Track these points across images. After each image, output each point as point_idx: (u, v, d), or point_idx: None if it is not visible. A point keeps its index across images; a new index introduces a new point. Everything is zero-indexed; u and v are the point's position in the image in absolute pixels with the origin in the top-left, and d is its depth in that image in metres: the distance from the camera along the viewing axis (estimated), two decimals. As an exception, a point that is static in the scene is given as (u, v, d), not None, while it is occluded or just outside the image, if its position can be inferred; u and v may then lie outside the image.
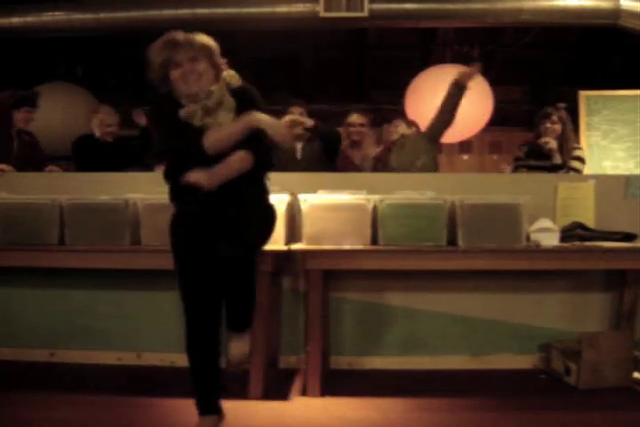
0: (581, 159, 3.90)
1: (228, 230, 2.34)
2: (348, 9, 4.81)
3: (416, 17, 4.99)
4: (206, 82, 2.30)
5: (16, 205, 3.10)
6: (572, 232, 3.19)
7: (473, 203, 3.03)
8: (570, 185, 3.41)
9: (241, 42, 6.32)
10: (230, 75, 2.44)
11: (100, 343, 3.38)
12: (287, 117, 3.68)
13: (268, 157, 2.46)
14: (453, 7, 4.91)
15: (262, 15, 4.97)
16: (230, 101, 2.34)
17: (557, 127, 3.86)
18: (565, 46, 6.96)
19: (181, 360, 3.34)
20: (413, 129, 4.20)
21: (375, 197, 3.03)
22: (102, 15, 5.00)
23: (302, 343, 3.11)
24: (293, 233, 3.23)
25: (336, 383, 3.04)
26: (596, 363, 3.00)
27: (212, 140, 2.28)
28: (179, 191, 2.40)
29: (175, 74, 2.28)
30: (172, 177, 2.39)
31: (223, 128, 2.31)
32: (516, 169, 3.97)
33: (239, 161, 2.32)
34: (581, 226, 3.23)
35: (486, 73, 5.41)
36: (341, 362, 3.34)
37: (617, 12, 4.80)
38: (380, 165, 4.14)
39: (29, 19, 5.06)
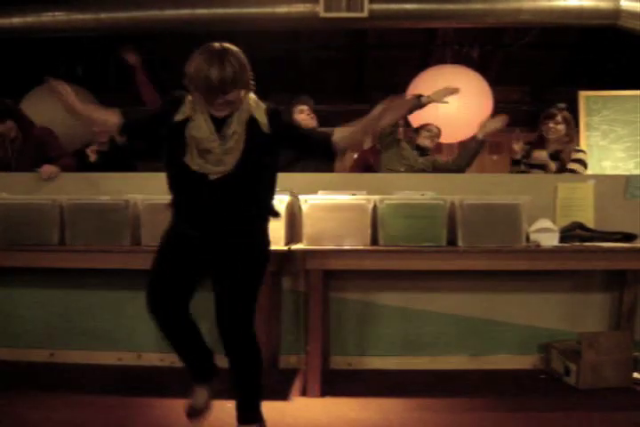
0: (582, 162, 3.81)
1: (217, 263, 2.30)
2: (348, 9, 4.80)
3: (416, 17, 4.98)
4: (235, 105, 2.24)
5: (16, 205, 3.10)
6: (572, 232, 3.19)
7: (473, 203, 3.03)
8: (570, 185, 3.41)
9: (241, 42, 6.32)
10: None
11: (100, 343, 3.38)
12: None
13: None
14: (453, 7, 4.90)
15: (262, 15, 4.96)
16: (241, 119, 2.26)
17: (561, 127, 3.82)
18: (565, 46, 6.95)
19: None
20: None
21: (375, 197, 3.03)
22: (102, 15, 4.98)
23: (302, 343, 3.12)
24: (294, 233, 3.24)
25: (336, 383, 3.04)
26: (595, 363, 3.00)
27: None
28: (178, 206, 2.37)
29: (203, 96, 2.19)
30: (172, 191, 2.38)
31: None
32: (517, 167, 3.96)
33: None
34: (581, 226, 3.23)
35: (486, 73, 5.40)
36: (341, 362, 3.34)
37: (617, 12, 4.79)
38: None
39: (29, 19, 5.04)
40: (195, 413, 2.40)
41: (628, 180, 3.45)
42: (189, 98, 2.27)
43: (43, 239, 3.06)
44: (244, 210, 2.30)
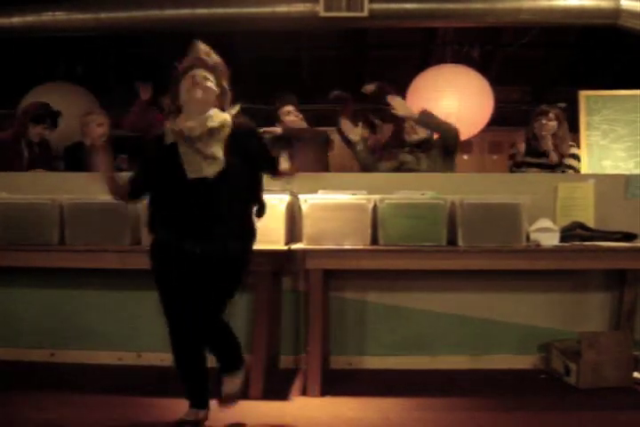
0: (577, 157, 3.92)
1: (199, 267, 2.38)
2: (348, 9, 4.80)
3: (416, 17, 4.98)
4: (211, 94, 2.36)
5: (16, 205, 3.10)
6: (572, 232, 3.19)
7: (473, 203, 3.03)
8: (570, 185, 3.41)
9: (241, 42, 6.32)
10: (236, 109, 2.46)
11: (100, 343, 3.38)
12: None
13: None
14: (453, 7, 4.90)
15: (262, 15, 4.96)
16: (223, 134, 2.35)
17: (553, 124, 3.85)
18: (565, 46, 6.95)
19: (181, 360, 3.34)
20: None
21: (375, 197, 3.03)
22: (102, 15, 4.98)
23: (302, 343, 3.12)
24: (294, 233, 3.24)
25: (336, 383, 3.04)
26: (595, 363, 3.00)
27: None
28: (161, 219, 2.43)
29: (186, 83, 2.35)
30: (156, 206, 2.43)
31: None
32: (513, 167, 3.97)
33: None
34: (581, 226, 3.23)
35: (486, 73, 5.40)
36: (341, 362, 3.34)
37: (617, 12, 4.79)
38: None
39: (29, 19, 5.04)
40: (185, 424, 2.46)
41: (629, 179, 3.45)
42: (167, 126, 2.39)
43: (43, 239, 3.06)
44: (237, 210, 2.41)
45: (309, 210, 3.02)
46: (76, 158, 4.07)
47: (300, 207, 3.09)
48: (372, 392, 2.95)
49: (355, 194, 3.09)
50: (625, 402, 2.84)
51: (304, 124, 4.23)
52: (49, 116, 4.02)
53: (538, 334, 3.34)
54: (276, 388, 2.96)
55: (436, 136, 3.81)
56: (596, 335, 3.09)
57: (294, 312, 3.35)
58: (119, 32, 5.21)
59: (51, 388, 2.96)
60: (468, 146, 7.56)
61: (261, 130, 3.67)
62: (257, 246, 2.54)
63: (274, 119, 4.17)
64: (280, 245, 2.95)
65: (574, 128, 5.42)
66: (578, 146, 5.18)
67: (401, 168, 3.75)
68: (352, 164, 4.57)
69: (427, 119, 3.67)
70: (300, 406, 2.79)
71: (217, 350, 2.52)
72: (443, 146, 3.72)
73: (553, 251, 3.02)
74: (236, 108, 2.45)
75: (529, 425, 2.60)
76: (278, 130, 4.03)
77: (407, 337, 3.36)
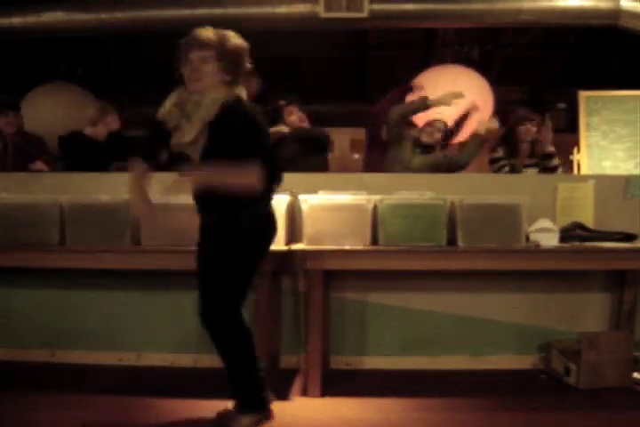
0: (555, 154, 4.06)
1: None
2: (348, 9, 4.81)
3: (416, 17, 4.99)
4: (207, 83, 2.30)
5: (16, 205, 3.10)
6: (572, 232, 3.19)
7: (473, 203, 3.03)
8: (570, 185, 3.41)
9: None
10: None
11: (100, 343, 3.38)
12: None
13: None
14: (453, 7, 4.90)
15: (262, 15, 4.96)
16: (208, 112, 2.31)
17: (534, 129, 3.98)
18: (565, 46, 6.96)
19: (181, 360, 3.36)
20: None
21: (375, 197, 3.03)
22: (103, 15, 4.99)
23: (302, 343, 3.11)
24: (294, 233, 3.24)
25: (336, 383, 3.04)
26: (595, 363, 3.00)
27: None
28: None
29: (184, 71, 2.32)
30: None
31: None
32: (498, 170, 4.00)
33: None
34: (581, 226, 3.23)
35: (486, 73, 5.40)
36: (341, 362, 3.34)
37: (617, 12, 4.79)
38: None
39: (29, 19, 5.05)
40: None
41: (628, 180, 3.45)
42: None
43: (43, 239, 3.06)
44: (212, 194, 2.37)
45: (309, 210, 3.02)
46: (73, 147, 4.08)
47: (299, 207, 3.09)
48: (372, 392, 2.95)
49: (355, 194, 3.09)
50: (625, 402, 2.84)
51: (306, 125, 4.24)
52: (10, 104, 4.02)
53: (538, 334, 3.34)
54: (276, 388, 2.96)
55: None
56: (596, 335, 3.09)
57: (294, 312, 3.35)
58: (119, 32, 5.21)
59: (51, 388, 2.96)
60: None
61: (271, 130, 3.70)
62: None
63: (276, 119, 4.17)
64: (280, 246, 2.95)
65: (574, 128, 5.44)
66: (578, 146, 5.21)
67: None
68: (352, 164, 4.57)
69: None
70: (300, 406, 2.79)
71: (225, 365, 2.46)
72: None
73: (553, 251, 3.02)
74: (240, 89, 2.39)
75: (529, 425, 2.60)
76: (285, 129, 4.03)
77: (407, 337, 3.36)
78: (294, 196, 3.13)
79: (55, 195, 3.13)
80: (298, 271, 3.28)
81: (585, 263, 3.08)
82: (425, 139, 4.02)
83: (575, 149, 5.33)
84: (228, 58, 2.31)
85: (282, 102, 4.16)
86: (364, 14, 4.82)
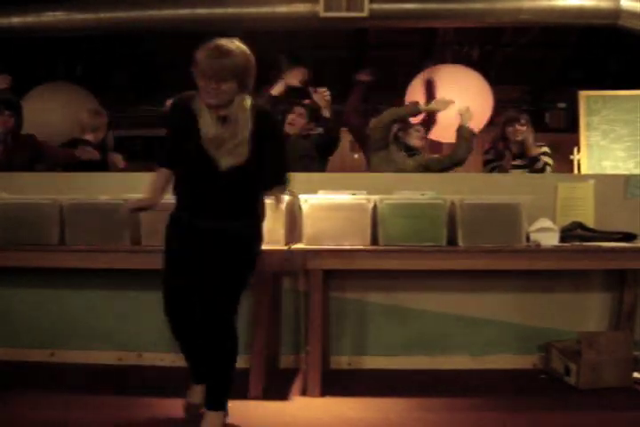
0: (548, 154, 4.06)
1: (208, 250, 2.43)
2: (348, 9, 4.80)
3: (416, 17, 4.98)
4: (226, 97, 2.34)
5: (16, 205, 3.10)
6: (572, 232, 3.19)
7: (473, 203, 3.03)
8: (570, 185, 3.41)
9: (241, 42, 6.31)
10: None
11: (100, 343, 3.38)
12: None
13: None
14: (453, 7, 4.90)
15: (262, 15, 4.96)
16: (246, 119, 2.38)
17: (524, 129, 4.00)
18: (565, 46, 6.95)
19: (181, 360, 3.35)
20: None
21: (375, 197, 3.03)
22: (102, 15, 4.99)
23: (302, 343, 3.12)
24: (294, 233, 3.23)
25: (336, 383, 3.04)
26: (595, 363, 3.00)
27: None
28: (181, 199, 2.50)
29: (200, 83, 2.32)
30: (181, 185, 2.50)
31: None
32: (490, 172, 4.02)
33: None
34: (581, 226, 3.23)
35: (486, 73, 5.40)
36: (341, 362, 3.34)
37: (617, 12, 4.79)
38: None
39: (29, 19, 5.05)
40: (191, 408, 2.57)
41: (628, 179, 3.45)
42: (194, 97, 2.39)
43: (43, 239, 3.05)
44: (245, 201, 2.47)
45: (309, 210, 3.02)
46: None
47: (300, 207, 3.08)
48: (372, 392, 2.95)
49: (355, 194, 3.09)
50: (625, 402, 2.84)
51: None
52: (2, 103, 3.99)
53: (538, 334, 3.34)
54: (276, 388, 2.97)
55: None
56: (596, 335, 3.09)
57: (294, 312, 3.35)
58: (119, 32, 5.21)
59: (51, 388, 2.96)
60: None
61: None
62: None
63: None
64: (280, 245, 2.95)
65: (574, 128, 5.43)
66: (578, 146, 5.20)
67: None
68: (352, 164, 4.58)
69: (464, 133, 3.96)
70: (300, 406, 2.79)
71: (209, 364, 2.45)
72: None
73: (553, 251, 3.02)
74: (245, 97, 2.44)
75: (529, 425, 2.60)
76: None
77: (407, 337, 3.36)
78: (294, 196, 3.13)
79: (55, 195, 3.13)
80: (298, 271, 3.28)
81: (585, 263, 3.08)
82: (412, 142, 4.02)
83: (575, 149, 5.33)
84: (244, 75, 2.36)
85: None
86: (364, 14, 4.81)
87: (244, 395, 2.82)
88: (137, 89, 7.18)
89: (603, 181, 3.45)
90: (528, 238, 3.04)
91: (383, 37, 6.89)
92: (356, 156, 6.72)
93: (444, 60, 6.14)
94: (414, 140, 4.03)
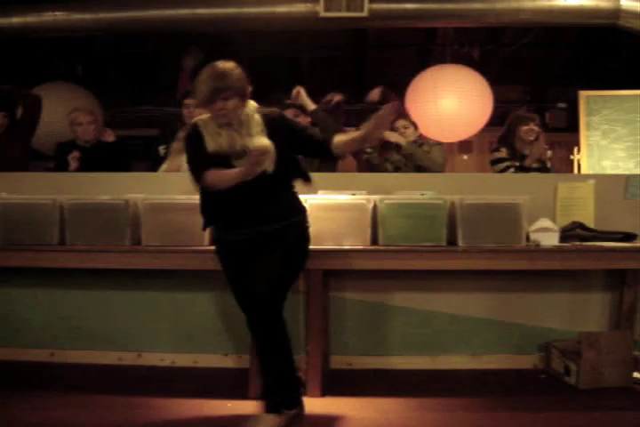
0: (550, 159, 4.06)
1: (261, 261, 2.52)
2: (348, 9, 4.80)
3: (416, 17, 4.98)
4: (234, 114, 2.46)
5: (16, 205, 3.10)
6: (572, 232, 3.19)
7: (473, 203, 3.03)
8: (570, 185, 3.41)
9: (241, 42, 6.32)
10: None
11: (100, 343, 3.38)
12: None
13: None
14: (453, 7, 4.90)
15: (262, 15, 4.96)
16: (257, 125, 2.50)
17: (538, 129, 3.96)
18: (565, 46, 6.95)
19: (181, 360, 3.36)
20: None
21: (375, 197, 3.03)
22: (102, 15, 4.98)
23: (302, 343, 3.11)
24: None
25: (336, 383, 3.04)
26: (595, 363, 3.00)
27: (210, 179, 2.47)
28: (218, 216, 2.59)
29: (206, 107, 2.46)
30: (209, 207, 2.58)
31: (225, 173, 2.45)
32: (503, 171, 3.96)
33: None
34: (581, 226, 3.23)
35: (486, 73, 5.40)
36: (341, 362, 3.34)
37: (617, 12, 4.79)
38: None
39: (29, 19, 5.04)
40: None
41: (628, 179, 3.45)
42: (201, 123, 2.54)
43: (43, 239, 3.05)
44: (282, 199, 2.60)
45: (309, 210, 3.00)
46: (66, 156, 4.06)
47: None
48: (372, 392, 2.95)
49: (355, 194, 3.09)
50: (625, 402, 2.84)
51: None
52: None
53: (538, 334, 3.34)
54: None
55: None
56: (596, 335, 3.09)
57: (294, 312, 3.35)
58: (119, 32, 5.21)
59: (51, 388, 2.96)
60: (467, 146, 7.57)
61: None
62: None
63: None
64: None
65: (574, 128, 5.44)
66: (578, 146, 5.21)
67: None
68: (352, 164, 4.58)
69: (413, 150, 3.93)
70: (299, 406, 2.79)
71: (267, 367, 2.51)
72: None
73: (553, 251, 3.02)
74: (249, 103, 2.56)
75: (529, 425, 2.60)
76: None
77: (407, 337, 3.36)
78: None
79: (55, 195, 3.13)
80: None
81: (585, 263, 3.08)
82: (401, 141, 4.00)
83: (575, 149, 5.33)
84: (242, 89, 2.48)
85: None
86: (364, 14, 4.81)
87: (244, 395, 2.82)
88: (137, 89, 7.19)
89: (603, 181, 3.45)
90: (528, 238, 3.04)
91: (383, 38, 6.90)
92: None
93: (443, 61, 6.14)
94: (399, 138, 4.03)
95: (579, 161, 5.24)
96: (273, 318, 2.45)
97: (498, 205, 3.04)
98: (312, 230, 2.97)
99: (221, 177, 2.44)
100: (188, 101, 3.99)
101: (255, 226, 2.51)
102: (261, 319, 2.45)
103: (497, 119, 5.37)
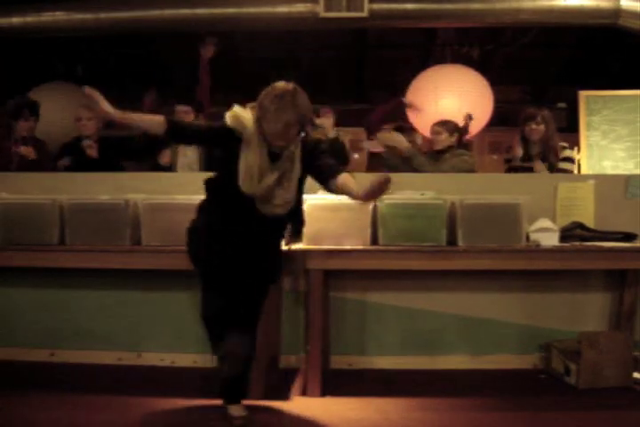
0: (570, 159, 3.80)
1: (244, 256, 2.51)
2: (348, 9, 4.81)
3: (416, 17, 4.98)
4: (293, 139, 2.46)
5: (16, 205, 3.10)
6: (572, 232, 3.19)
7: (473, 203, 3.03)
8: (570, 185, 3.41)
9: (241, 42, 6.32)
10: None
11: (100, 343, 3.38)
12: None
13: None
14: (453, 7, 4.90)
15: (262, 15, 4.96)
16: (297, 155, 2.50)
17: (542, 128, 3.77)
18: (565, 46, 6.95)
19: (181, 360, 3.36)
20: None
21: (375, 197, 3.02)
22: (102, 15, 4.98)
23: (302, 343, 3.12)
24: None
25: (336, 383, 3.04)
26: (595, 363, 3.00)
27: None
28: (216, 204, 2.53)
29: (267, 126, 2.40)
30: (216, 191, 2.53)
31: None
32: (511, 171, 3.92)
33: None
34: (581, 226, 3.23)
35: (486, 73, 5.40)
36: (341, 362, 3.34)
37: (617, 12, 4.79)
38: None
39: (29, 19, 5.04)
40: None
41: (629, 179, 3.45)
42: (249, 128, 2.44)
43: (42, 239, 3.06)
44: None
45: (309, 210, 3.01)
46: (76, 153, 4.07)
47: (299, 207, 3.08)
48: (372, 392, 2.95)
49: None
50: (625, 402, 2.84)
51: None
52: (26, 107, 4.00)
53: (538, 334, 3.34)
54: (276, 388, 2.97)
55: None
56: (596, 335, 3.09)
57: (294, 312, 3.35)
58: (119, 32, 5.21)
59: (51, 388, 2.95)
60: (467, 146, 7.56)
61: None
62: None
63: None
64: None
65: (574, 128, 5.43)
66: (578, 146, 5.19)
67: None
68: (352, 164, 4.59)
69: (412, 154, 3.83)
70: (299, 406, 2.79)
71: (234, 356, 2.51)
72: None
73: (553, 251, 3.02)
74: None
75: (529, 425, 2.60)
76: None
77: (407, 337, 3.36)
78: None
79: (55, 195, 3.13)
80: (298, 271, 3.28)
81: (585, 263, 3.08)
82: (436, 147, 3.97)
83: (575, 149, 5.32)
84: (306, 118, 2.50)
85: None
86: (364, 14, 4.82)
87: (243, 395, 2.82)
88: (137, 89, 7.18)
89: (603, 181, 3.45)
90: (528, 238, 3.04)
91: (383, 37, 6.90)
92: (356, 156, 6.72)
93: (443, 61, 6.15)
94: (435, 144, 4.01)
95: (579, 161, 5.24)
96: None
97: (498, 205, 3.04)
98: (312, 230, 2.99)
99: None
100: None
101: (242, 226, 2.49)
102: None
103: (497, 119, 5.38)
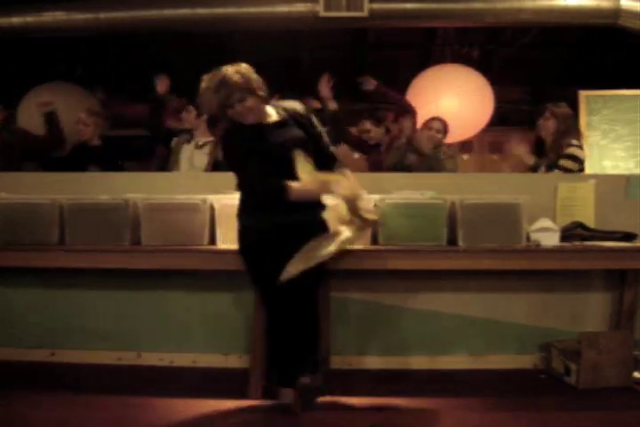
0: (574, 157, 3.69)
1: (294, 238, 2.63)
2: (348, 9, 4.81)
3: (416, 17, 4.99)
4: (259, 112, 2.60)
5: (16, 205, 3.10)
6: (573, 232, 3.19)
7: (473, 203, 3.03)
8: (570, 185, 3.41)
9: (241, 42, 6.31)
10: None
11: (100, 343, 3.38)
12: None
13: None
14: (453, 7, 4.90)
15: (262, 15, 4.96)
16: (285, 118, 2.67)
17: (550, 123, 3.74)
18: (565, 46, 6.95)
19: (181, 360, 3.36)
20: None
21: (375, 197, 3.03)
22: (102, 15, 4.99)
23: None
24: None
25: (336, 383, 3.03)
26: (595, 363, 3.00)
27: (295, 194, 2.57)
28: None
29: (231, 113, 2.56)
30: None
31: (308, 190, 2.60)
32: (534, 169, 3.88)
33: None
34: (581, 226, 3.23)
35: (486, 73, 5.40)
36: (342, 362, 3.34)
37: (617, 12, 4.79)
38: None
39: (29, 19, 5.05)
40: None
41: (629, 179, 3.45)
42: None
43: (42, 239, 3.05)
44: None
45: (309, 210, 3.01)
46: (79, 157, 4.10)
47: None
48: (372, 392, 2.95)
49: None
50: (625, 402, 2.84)
51: None
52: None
53: (538, 334, 3.34)
54: (277, 388, 2.96)
55: None
56: (596, 335, 3.09)
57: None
58: (119, 32, 5.21)
59: (51, 388, 2.96)
60: (467, 146, 7.56)
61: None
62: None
63: None
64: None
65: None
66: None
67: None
68: (352, 164, 4.59)
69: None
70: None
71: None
72: None
73: (553, 251, 3.02)
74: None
75: (529, 425, 2.60)
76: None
77: (407, 337, 3.36)
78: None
79: (55, 195, 3.13)
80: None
81: (585, 263, 3.08)
82: (426, 144, 4.00)
83: (585, 149, 5.32)
84: (256, 89, 2.58)
85: None
86: (364, 13, 4.82)
87: (244, 395, 2.82)
88: (137, 89, 7.18)
89: (603, 181, 3.44)
90: (528, 238, 3.04)
91: (383, 37, 6.90)
92: (356, 156, 6.72)
93: (443, 61, 6.15)
94: (426, 141, 4.06)
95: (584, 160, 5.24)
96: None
97: (498, 205, 3.04)
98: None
99: (304, 194, 2.59)
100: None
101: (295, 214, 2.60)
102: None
103: (497, 119, 5.38)
